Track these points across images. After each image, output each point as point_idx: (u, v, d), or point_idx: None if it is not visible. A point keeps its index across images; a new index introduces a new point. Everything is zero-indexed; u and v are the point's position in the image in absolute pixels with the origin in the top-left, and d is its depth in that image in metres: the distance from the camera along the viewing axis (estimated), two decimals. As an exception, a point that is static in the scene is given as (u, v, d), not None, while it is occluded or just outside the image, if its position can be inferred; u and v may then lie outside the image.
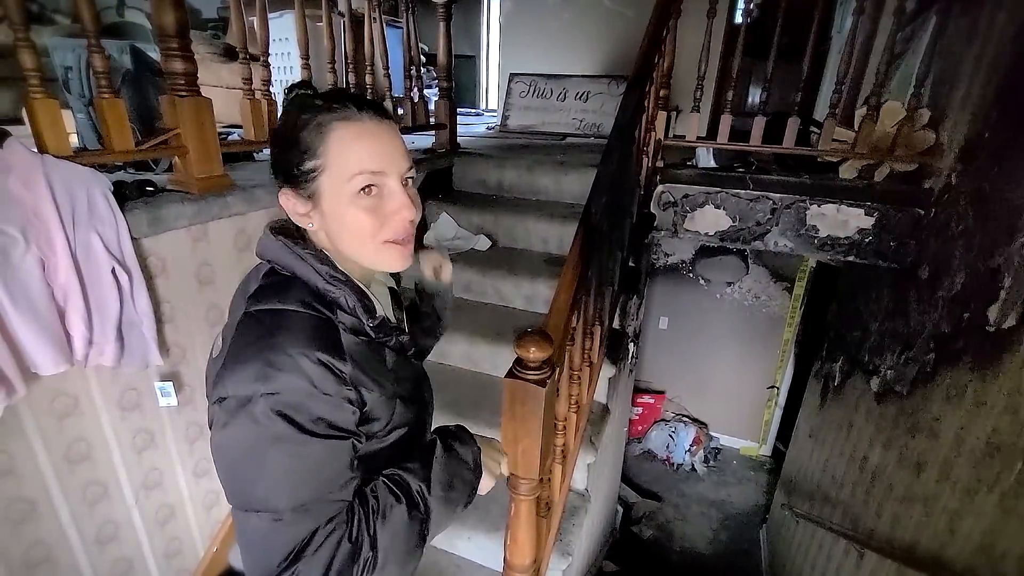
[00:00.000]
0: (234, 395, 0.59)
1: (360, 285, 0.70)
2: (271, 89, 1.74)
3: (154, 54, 1.72)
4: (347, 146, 0.64)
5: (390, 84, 2.41)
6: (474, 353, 2.05)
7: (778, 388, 4.73)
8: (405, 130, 2.52)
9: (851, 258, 2.21)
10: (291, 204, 0.68)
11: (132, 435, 1.40)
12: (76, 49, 1.54)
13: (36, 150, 1.15)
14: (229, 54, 3.53)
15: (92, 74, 1.28)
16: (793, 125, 2.15)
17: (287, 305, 0.64)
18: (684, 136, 2.37)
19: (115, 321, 1.21)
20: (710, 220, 2.35)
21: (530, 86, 4.13)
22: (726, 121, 2.25)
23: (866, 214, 2.12)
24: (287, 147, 0.66)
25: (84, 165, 1.19)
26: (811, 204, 2.19)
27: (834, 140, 2.15)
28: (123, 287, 1.21)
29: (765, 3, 2.09)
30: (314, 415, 0.60)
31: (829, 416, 3.13)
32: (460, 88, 4.03)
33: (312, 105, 0.65)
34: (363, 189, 0.65)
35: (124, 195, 1.29)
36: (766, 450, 5.05)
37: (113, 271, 1.19)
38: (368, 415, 0.67)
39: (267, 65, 1.72)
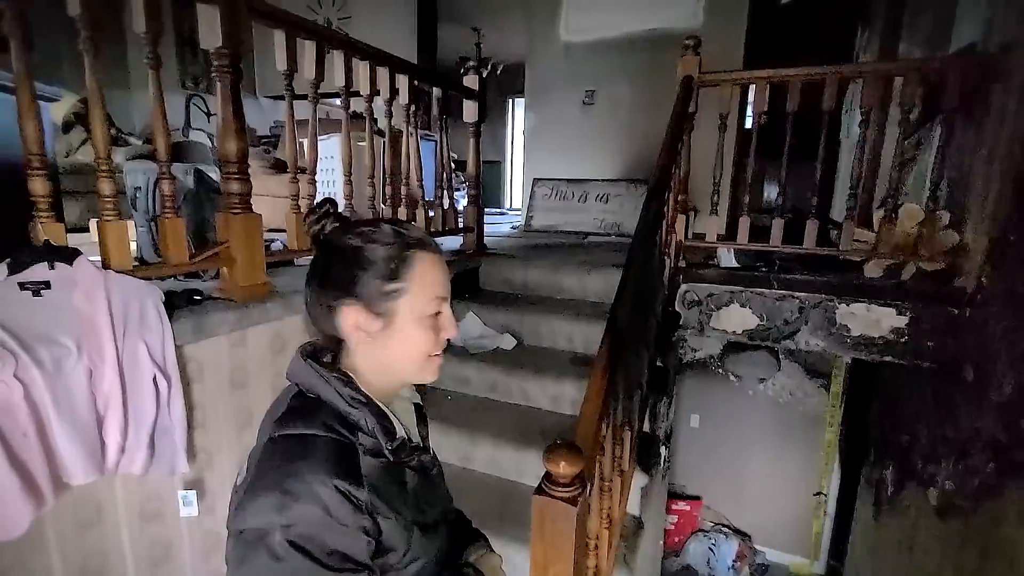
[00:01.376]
0: (253, 527, 0.59)
1: (381, 406, 0.71)
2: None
3: (213, 174, 1.91)
4: (427, 273, 0.71)
5: (423, 192, 2.59)
6: (499, 458, 1.99)
7: (825, 495, 4.36)
8: (436, 233, 2.66)
9: (888, 358, 2.14)
10: (360, 319, 0.69)
11: (149, 547, 1.36)
12: (147, 172, 1.73)
13: (100, 263, 1.25)
14: (278, 167, 3.88)
15: (159, 196, 1.43)
16: (812, 227, 2.20)
17: (310, 429, 0.66)
18: (704, 236, 2.44)
19: (149, 428, 1.23)
20: (736, 319, 2.34)
21: (552, 190, 4.37)
22: (744, 224, 2.31)
23: (898, 313, 2.09)
24: (364, 267, 0.68)
25: (141, 278, 1.28)
26: (839, 303, 2.16)
27: (855, 240, 2.18)
28: (161, 394, 1.25)
29: (772, 111, 2.23)
30: (328, 547, 0.60)
31: (886, 530, 2.84)
32: (486, 189, 4.31)
33: (397, 233, 0.71)
34: (434, 312, 0.72)
35: (173, 304, 1.37)
36: (819, 567, 4.54)
37: (154, 378, 1.23)
38: (384, 544, 0.66)
39: (313, 182, 1.88)
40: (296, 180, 1.79)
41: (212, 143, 4.49)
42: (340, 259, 0.70)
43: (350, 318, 0.69)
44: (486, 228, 3.15)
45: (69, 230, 1.29)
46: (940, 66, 2.10)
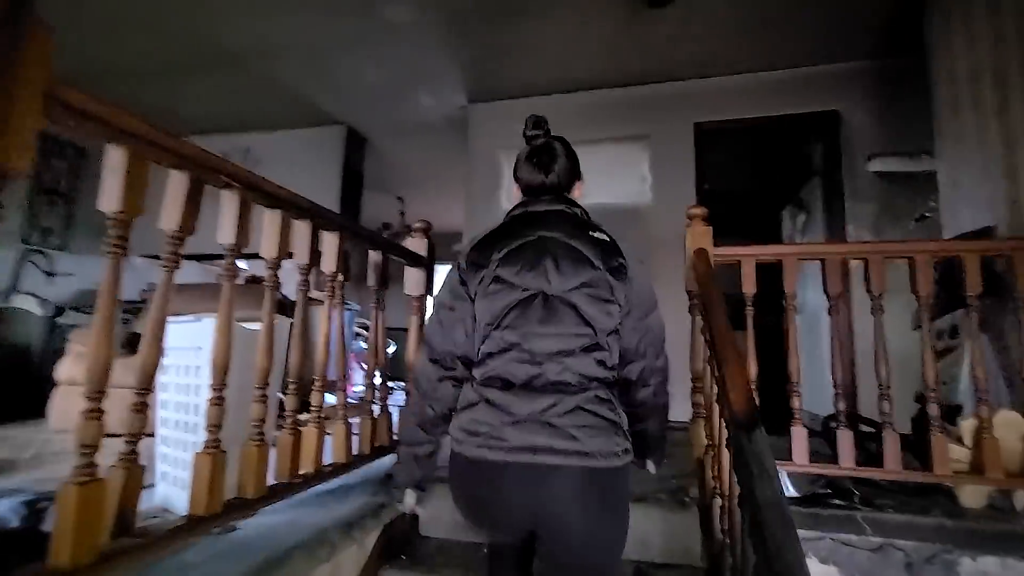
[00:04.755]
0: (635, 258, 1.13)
1: None
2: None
3: None
4: None
5: (345, 397, 1.75)
6: None
7: None
8: (361, 457, 1.75)
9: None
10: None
11: None
12: None
13: None
14: (132, 343, 2.86)
15: None
16: (894, 442, 1.64)
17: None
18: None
19: None
20: (819, 583, 1.58)
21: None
22: (800, 435, 1.71)
23: (1049, 572, 1.46)
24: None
25: None
26: (961, 556, 1.52)
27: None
28: None
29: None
30: None
31: None
32: (402, 365, 3.51)
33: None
34: None
35: None
36: None
37: None
38: None
39: (143, 407, 1.01)
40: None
41: (44, 312, 3.36)
42: (575, 157, 1.27)
43: (579, 189, 1.28)
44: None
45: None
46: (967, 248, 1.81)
